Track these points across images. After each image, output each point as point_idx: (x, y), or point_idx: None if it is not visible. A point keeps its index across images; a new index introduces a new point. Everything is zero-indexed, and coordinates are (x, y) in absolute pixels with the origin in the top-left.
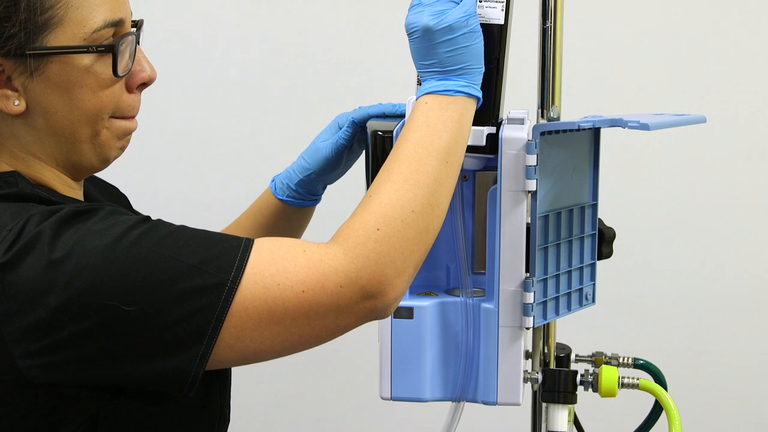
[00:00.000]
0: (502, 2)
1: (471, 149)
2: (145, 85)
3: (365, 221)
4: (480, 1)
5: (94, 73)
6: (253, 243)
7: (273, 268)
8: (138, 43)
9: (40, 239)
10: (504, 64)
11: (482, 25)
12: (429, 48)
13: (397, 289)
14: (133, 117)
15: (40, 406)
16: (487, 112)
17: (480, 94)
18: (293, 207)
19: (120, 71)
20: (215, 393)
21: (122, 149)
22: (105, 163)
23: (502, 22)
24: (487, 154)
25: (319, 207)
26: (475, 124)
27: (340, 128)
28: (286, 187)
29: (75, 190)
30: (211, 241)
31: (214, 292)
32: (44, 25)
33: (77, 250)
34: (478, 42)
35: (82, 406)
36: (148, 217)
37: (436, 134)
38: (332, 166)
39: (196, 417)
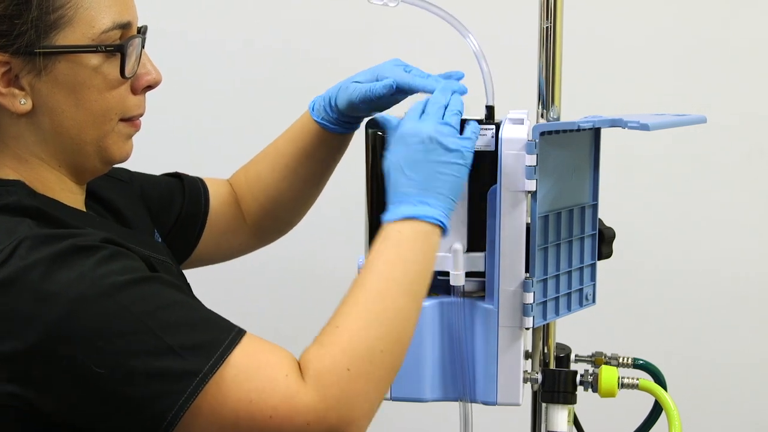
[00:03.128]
0: (492, 129)
1: (469, 274)
2: (150, 87)
3: (336, 359)
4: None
5: (102, 74)
6: (241, 338)
7: (255, 383)
8: (143, 47)
9: (34, 271)
10: None
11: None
12: (422, 162)
13: (361, 430)
14: (138, 119)
15: (14, 428)
16: (480, 239)
17: (448, 226)
18: (331, 133)
19: (127, 72)
20: None
21: (127, 155)
22: (107, 165)
23: (493, 149)
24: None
25: (318, 203)
26: (468, 250)
27: (378, 80)
28: (323, 110)
29: (76, 196)
30: (199, 326)
31: (185, 380)
32: (54, 23)
33: (66, 294)
34: (464, 176)
35: None
36: (151, 276)
37: (406, 267)
38: (358, 110)
39: None
